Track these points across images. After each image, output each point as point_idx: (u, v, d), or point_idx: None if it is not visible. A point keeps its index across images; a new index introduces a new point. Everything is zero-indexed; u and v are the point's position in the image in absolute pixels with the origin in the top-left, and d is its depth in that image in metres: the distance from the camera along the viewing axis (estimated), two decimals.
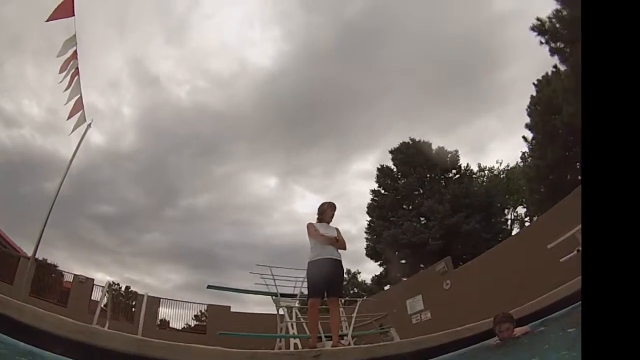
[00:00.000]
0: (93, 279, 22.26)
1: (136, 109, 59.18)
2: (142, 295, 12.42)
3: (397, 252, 32.28)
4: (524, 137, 26.47)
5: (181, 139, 57.78)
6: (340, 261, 7.36)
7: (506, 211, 37.06)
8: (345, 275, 48.15)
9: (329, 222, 7.77)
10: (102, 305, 11.30)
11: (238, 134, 61.50)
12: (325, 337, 8.87)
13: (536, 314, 7.16)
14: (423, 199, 32.74)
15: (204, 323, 26.45)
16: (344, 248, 7.53)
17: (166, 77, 60.18)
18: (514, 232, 34.03)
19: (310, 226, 7.54)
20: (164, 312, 24.25)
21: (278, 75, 61.06)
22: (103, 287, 13.91)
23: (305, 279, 7.72)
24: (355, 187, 64.02)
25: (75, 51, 11.69)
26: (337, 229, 7.70)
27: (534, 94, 24.74)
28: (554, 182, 22.27)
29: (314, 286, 7.16)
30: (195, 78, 62.81)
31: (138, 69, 57.69)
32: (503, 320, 5.79)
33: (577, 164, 22.28)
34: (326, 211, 7.79)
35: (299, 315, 10.52)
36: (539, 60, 40.02)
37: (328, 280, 7.10)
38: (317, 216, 7.84)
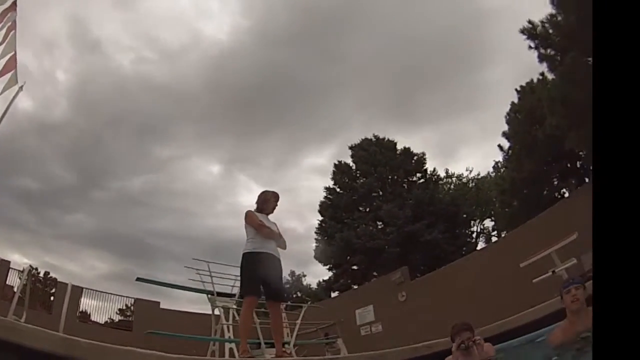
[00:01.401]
0: (9, 262, 21.54)
1: (72, 75, 57.32)
2: (65, 284, 12.20)
3: (349, 257, 32.53)
4: (499, 146, 27.03)
5: (119, 113, 55.39)
6: (280, 261, 7.19)
7: (472, 223, 37.64)
8: (288, 277, 48.15)
9: (268, 214, 7.56)
10: (19, 293, 11.00)
11: (183, 113, 59.63)
12: (266, 344, 8.83)
13: (501, 335, 7.21)
14: (382, 202, 32.90)
15: (130, 319, 26.11)
16: (284, 247, 7.32)
17: (109, 42, 58.63)
18: (479, 247, 34.57)
19: (251, 214, 7.27)
20: (85, 302, 23.79)
21: (233, 52, 59.94)
22: (21, 271, 13.57)
23: (239, 274, 7.28)
24: (307, 183, 63.58)
25: (15, 2, 11.32)
26: (276, 225, 7.50)
27: (516, 100, 25.14)
28: (528, 197, 22.72)
29: (252, 282, 6.85)
30: (142, 47, 61.39)
31: (78, 30, 55.94)
32: (463, 329, 5.80)
33: (555, 180, 22.75)
34: (269, 201, 7.57)
35: (237, 318, 10.34)
36: (524, 65, 40.71)
37: (269, 280, 6.88)
38: (256, 205, 7.57)
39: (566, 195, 22.71)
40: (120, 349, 4.78)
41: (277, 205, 7.66)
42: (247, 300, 6.86)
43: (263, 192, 7.67)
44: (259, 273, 6.78)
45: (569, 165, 21.74)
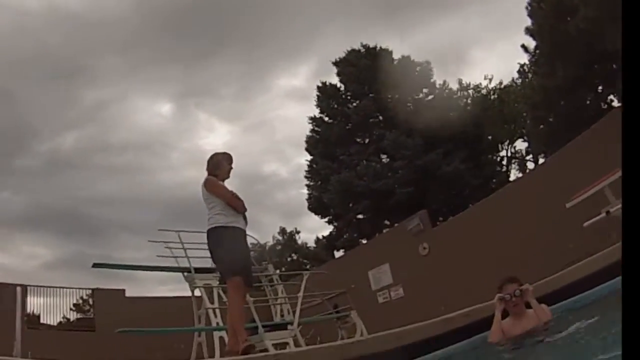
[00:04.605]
0: None
1: None
2: (8, 286, 12.23)
3: (351, 204, 32.68)
4: (523, 46, 26.49)
5: (28, 57, 52.93)
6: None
7: (500, 146, 37.46)
8: (278, 236, 48.29)
9: (224, 180, 7.77)
10: None
11: (110, 43, 56.85)
12: (264, 326, 9.00)
13: (551, 296, 7.03)
14: (384, 130, 32.82)
15: (91, 315, 25.97)
16: (247, 224, 7.63)
17: None
18: (512, 177, 34.51)
19: (217, 182, 7.55)
20: (31, 302, 23.83)
21: None
22: None
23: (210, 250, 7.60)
24: (282, 112, 62.42)
25: None
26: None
27: None
28: (567, 109, 22.33)
29: (235, 261, 7.15)
30: None
31: None
32: (508, 282, 5.93)
33: (600, 86, 22.46)
34: (221, 164, 7.78)
35: (223, 298, 10.21)
36: None
37: (245, 261, 7.29)
38: (207, 172, 7.76)
39: (615, 103, 22.37)
40: None
41: (232, 168, 7.89)
42: (233, 282, 7.14)
43: (212, 156, 7.88)
44: (239, 250, 7.18)
45: (614, 66, 21.32)
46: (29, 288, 23.05)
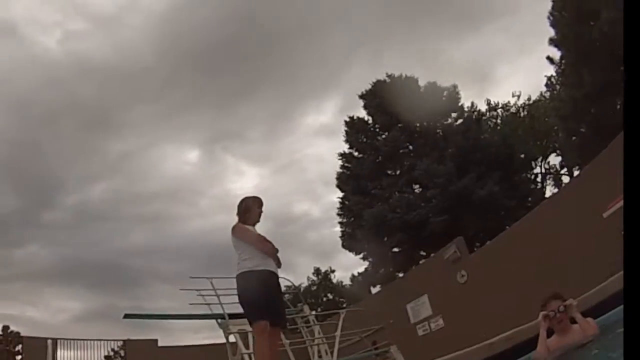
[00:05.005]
0: None
1: None
2: (37, 340, 12.26)
3: (385, 238, 32.36)
4: (548, 58, 26.46)
5: (56, 107, 54.64)
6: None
7: (533, 163, 37.20)
8: (314, 277, 48.19)
9: (254, 225, 7.74)
10: None
11: (136, 93, 58.84)
12: None
13: (596, 308, 7.11)
14: (415, 159, 32.58)
15: None
16: (280, 265, 7.58)
17: (26, 21, 58.08)
18: (547, 193, 34.27)
19: (244, 228, 7.54)
20: (61, 356, 23.87)
21: (184, 5, 59.07)
22: None
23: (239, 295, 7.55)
24: (311, 150, 62.99)
25: None
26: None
27: None
28: (597, 117, 22.23)
29: (260, 305, 7.08)
30: (67, 18, 60.69)
31: None
32: (552, 299, 5.91)
33: None
34: (251, 209, 7.76)
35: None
36: None
37: (274, 303, 7.20)
38: (237, 217, 7.77)
39: None
40: None
41: (262, 211, 7.86)
42: (258, 326, 7.07)
43: (242, 201, 7.88)
44: (265, 294, 7.05)
45: None
46: (59, 341, 23.15)
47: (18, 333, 28.56)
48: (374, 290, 33.80)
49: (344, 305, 38.59)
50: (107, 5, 60.66)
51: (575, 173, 30.87)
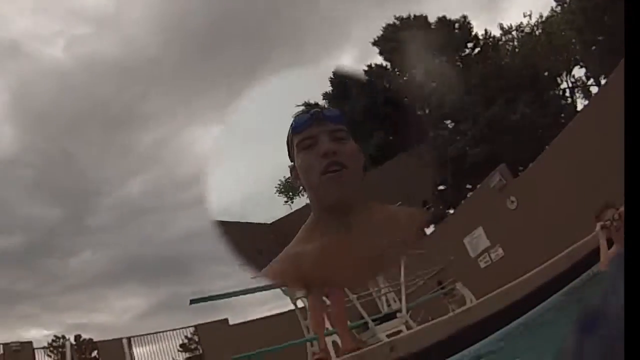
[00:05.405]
0: (31, 342, 21.93)
1: (3, 93, 56.94)
2: (111, 341, 12.56)
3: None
4: None
5: (77, 113, 55.62)
6: None
7: (559, 79, 36.65)
8: None
9: None
10: None
11: (153, 83, 60.09)
12: (374, 320, 8.95)
13: None
14: (441, 96, 32.62)
15: (199, 352, 26.63)
16: None
17: (28, 38, 57.93)
18: (579, 105, 33.98)
19: None
20: (137, 353, 24.05)
21: None
22: (51, 346, 13.97)
23: None
24: None
25: None
26: None
27: None
28: (611, 25, 21.91)
29: None
30: (68, 26, 60.60)
31: None
32: (605, 208, 5.86)
33: None
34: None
35: (328, 303, 10.53)
36: None
37: None
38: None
39: None
40: None
41: None
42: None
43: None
44: None
45: None
46: (132, 339, 23.45)
47: (91, 339, 28.74)
48: (428, 231, 33.88)
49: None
50: (104, 4, 60.32)
51: (603, 82, 30.55)
